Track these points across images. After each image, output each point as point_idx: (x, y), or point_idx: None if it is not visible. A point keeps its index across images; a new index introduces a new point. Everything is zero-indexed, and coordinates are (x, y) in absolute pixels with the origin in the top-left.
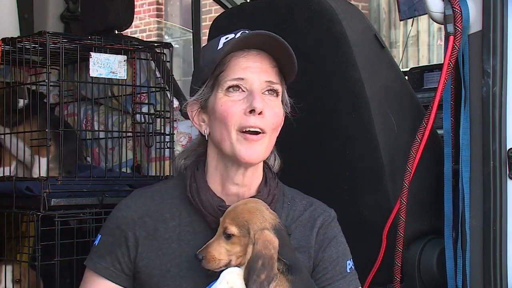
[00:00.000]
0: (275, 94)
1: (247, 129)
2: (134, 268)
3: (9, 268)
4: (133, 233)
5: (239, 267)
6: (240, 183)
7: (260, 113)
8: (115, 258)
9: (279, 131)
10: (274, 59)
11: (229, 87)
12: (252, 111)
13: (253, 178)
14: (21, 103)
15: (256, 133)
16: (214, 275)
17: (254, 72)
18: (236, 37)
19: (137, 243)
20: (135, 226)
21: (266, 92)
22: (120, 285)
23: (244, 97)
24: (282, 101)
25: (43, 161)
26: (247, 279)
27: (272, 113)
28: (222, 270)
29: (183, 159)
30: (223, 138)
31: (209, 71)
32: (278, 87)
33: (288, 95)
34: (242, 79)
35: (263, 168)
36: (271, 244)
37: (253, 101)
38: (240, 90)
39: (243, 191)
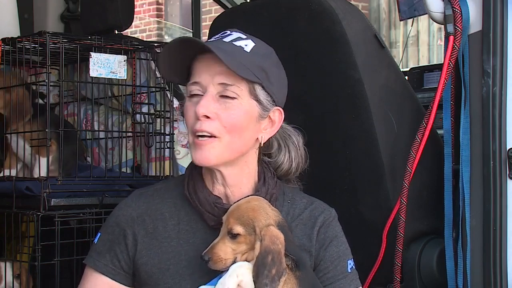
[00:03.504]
0: (231, 97)
1: (197, 133)
2: (134, 266)
3: (9, 263)
4: (131, 231)
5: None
6: (224, 183)
7: (207, 117)
8: (114, 256)
9: (245, 132)
10: None
11: (190, 90)
12: None
13: (240, 177)
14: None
15: (205, 137)
16: (214, 273)
17: (209, 74)
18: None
19: (135, 241)
20: (134, 224)
21: (223, 95)
22: (120, 283)
23: (198, 101)
24: (257, 100)
25: (43, 161)
26: (256, 276)
27: (226, 116)
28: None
29: None
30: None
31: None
32: (236, 89)
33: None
34: (197, 82)
35: (262, 167)
36: (278, 239)
37: (197, 106)
38: (198, 93)
39: (232, 191)
